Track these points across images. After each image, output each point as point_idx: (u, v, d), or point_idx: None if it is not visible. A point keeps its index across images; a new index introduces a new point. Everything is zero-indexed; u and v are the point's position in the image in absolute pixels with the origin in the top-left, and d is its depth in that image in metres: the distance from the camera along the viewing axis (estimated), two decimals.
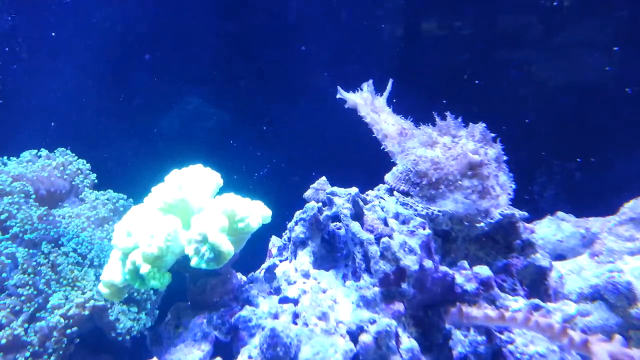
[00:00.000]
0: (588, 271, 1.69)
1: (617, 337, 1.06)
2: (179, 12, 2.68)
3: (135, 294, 1.76)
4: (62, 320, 1.55)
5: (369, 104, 1.71)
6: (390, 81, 1.71)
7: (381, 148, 1.65)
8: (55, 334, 1.53)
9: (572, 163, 2.58)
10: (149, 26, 2.64)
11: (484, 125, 1.50)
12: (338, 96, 1.76)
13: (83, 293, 1.63)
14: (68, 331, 1.55)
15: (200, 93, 2.79)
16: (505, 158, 1.50)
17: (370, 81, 1.74)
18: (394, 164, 1.62)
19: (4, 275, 1.60)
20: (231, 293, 1.53)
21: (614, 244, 1.74)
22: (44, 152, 2.07)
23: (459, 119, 1.53)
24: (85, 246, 1.77)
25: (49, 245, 1.70)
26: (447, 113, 1.53)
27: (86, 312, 1.59)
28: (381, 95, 1.73)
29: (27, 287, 1.57)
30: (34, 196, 1.81)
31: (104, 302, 1.66)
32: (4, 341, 1.47)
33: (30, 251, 1.66)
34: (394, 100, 1.72)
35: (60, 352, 1.52)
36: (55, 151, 2.10)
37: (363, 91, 1.75)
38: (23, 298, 1.56)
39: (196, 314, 1.50)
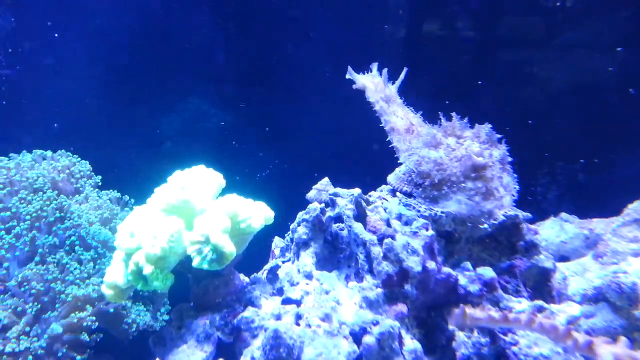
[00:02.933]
0: (592, 273, 1.69)
1: (623, 339, 1.05)
2: (181, 12, 2.68)
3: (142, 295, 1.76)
4: (69, 318, 1.55)
5: (380, 90, 1.64)
6: (405, 70, 1.64)
7: (385, 148, 1.64)
8: (64, 333, 1.53)
9: (575, 164, 2.57)
10: (152, 27, 2.65)
11: (490, 126, 1.49)
12: (347, 76, 1.69)
13: (87, 292, 1.62)
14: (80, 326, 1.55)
15: (203, 94, 2.80)
16: (510, 159, 1.49)
17: (385, 70, 1.66)
18: (398, 164, 1.61)
19: (3, 273, 1.60)
20: (234, 294, 1.53)
21: (618, 246, 1.73)
22: (48, 153, 2.07)
23: (465, 120, 1.52)
24: (89, 246, 1.76)
25: (53, 245, 1.69)
26: (453, 114, 1.52)
27: (91, 312, 1.59)
28: (393, 83, 1.66)
29: (34, 283, 1.57)
30: (40, 194, 1.80)
31: (110, 302, 1.65)
32: (12, 337, 1.46)
33: (38, 248, 1.66)
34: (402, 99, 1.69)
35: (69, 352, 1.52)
36: (57, 153, 2.10)
37: (373, 73, 1.67)
38: (34, 292, 1.55)
39: (199, 315, 1.50)
